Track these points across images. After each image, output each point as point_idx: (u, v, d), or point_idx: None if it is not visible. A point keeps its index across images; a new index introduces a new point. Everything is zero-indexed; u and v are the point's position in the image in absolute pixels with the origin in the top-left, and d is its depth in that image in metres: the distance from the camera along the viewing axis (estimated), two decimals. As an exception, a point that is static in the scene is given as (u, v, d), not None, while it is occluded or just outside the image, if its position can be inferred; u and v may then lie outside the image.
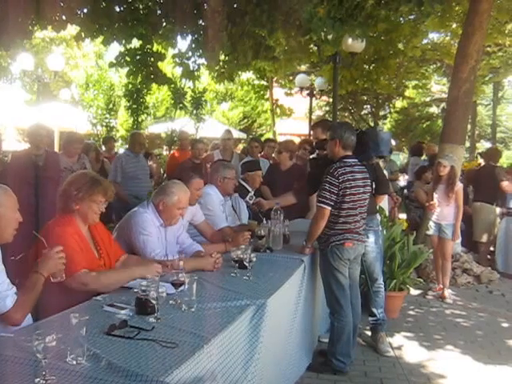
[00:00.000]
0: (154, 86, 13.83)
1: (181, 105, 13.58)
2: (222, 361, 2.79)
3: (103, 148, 11.68)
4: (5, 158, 8.23)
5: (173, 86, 12.15)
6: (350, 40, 9.10)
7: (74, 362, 2.33)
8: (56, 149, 15.08)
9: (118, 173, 7.74)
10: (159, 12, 8.51)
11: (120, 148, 17.41)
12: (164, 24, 8.61)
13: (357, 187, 4.65)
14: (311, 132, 8.67)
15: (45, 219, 6.17)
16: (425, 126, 26.59)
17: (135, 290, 3.06)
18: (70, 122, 15.43)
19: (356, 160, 4.79)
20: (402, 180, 13.87)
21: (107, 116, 16.04)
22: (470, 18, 8.35)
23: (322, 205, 4.62)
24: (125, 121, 19.61)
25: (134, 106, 14.29)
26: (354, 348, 5.01)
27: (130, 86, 13.26)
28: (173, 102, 14.21)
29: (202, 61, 9.46)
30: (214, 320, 3.02)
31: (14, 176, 5.78)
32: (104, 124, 15.86)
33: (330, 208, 4.60)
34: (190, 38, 8.94)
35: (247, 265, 4.01)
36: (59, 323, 2.65)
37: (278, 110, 21.36)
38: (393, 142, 13.27)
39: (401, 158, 23.83)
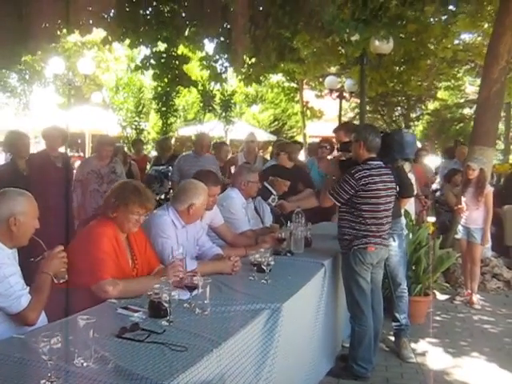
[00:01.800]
0: (184, 88, 13.95)
1: (209, 107, 13.68)
2: (232, 365, 2.76)
3: (132, 151, 11.79)
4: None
5: (201, 88, 12.22)
6: (376, 41, 8.99)
7: (81, 364, 2.34)
8: (87, 152, 15.35)
9: (175, 172, 8.23)
10: (184, 15, 8.57)
11: (151, 151, 17.55)
12: (189, 27, 8.67)
13: (378, 190, 4.57)
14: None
15: (63, 220, 6.31)
16: (458, 127, 26.13)
17: (149, 293, 3.06)
18: (101, 124, 15.66)
19: (380, 163, 4.73)
20: (435, 183, 13.65)
21: (136, 119, 16.22)
22: (500, 17, 8.21)
23: (330, 196, 4.67)
24: (155, 123, 19.82)
25: (164, 109, 14.44)
26: (376, 353, 4.94)
27: (159, 88, 13.39)
28: (202, 104, 14.33)
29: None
30: (226, 324, 2.99)
31: (37, 178, 5.88)
32: (133, 126, 16.05)
33: (335, 202, 4.67)
34: (216, 40, 8.97)
35: (265, 268, 3.98)
36: (70, 325, 2.66)
37: (309, 113, 21.24)
38: (418, 145, 13.03)
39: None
